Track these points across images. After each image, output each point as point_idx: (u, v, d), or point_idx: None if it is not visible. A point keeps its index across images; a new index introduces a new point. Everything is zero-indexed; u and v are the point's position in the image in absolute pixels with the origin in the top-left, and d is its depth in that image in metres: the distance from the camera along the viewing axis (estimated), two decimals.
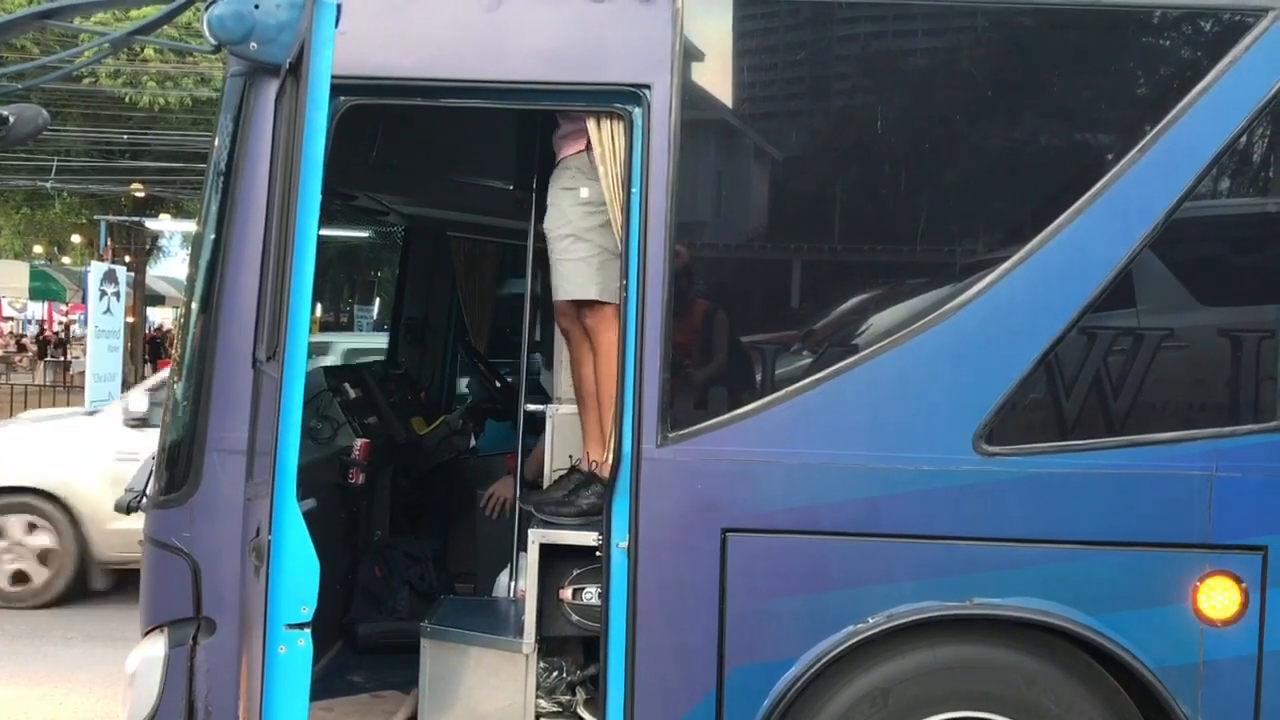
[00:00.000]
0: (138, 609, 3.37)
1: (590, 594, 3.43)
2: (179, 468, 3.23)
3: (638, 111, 3.17)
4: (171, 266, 35.22)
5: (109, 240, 24.98)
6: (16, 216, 27.52)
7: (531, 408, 4.25)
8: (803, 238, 3.32)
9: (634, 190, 3.17)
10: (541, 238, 4.89)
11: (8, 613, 7.22)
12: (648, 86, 3.14)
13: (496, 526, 4.59)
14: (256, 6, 2.99)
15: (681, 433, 3.13)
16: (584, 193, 3.53)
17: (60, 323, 36.05)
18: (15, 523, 7.44)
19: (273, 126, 3.13)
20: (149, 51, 16.52)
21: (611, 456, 3.25)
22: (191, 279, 3.34)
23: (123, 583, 7.17)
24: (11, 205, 26.11)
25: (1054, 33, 3.23)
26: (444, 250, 6.14)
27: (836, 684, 3.12)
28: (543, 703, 3.56)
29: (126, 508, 3.63)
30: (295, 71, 2.84)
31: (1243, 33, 3.10)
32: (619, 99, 3.19)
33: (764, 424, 3.13)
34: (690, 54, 3.16)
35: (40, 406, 16.72)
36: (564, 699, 3.60)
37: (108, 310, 15.74)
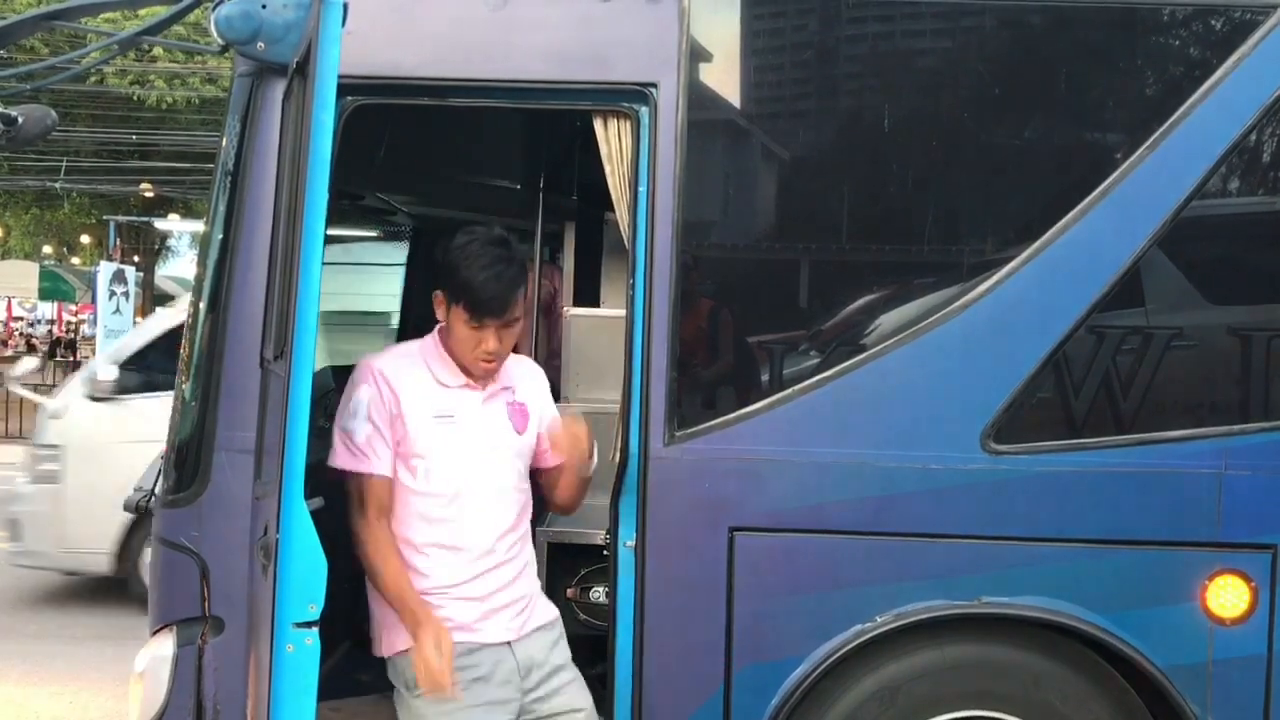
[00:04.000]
0: (146, 608, 3.38)
1: (597, 593, 3.44)
2: (188, 467, 3.23)
3: (644, 110, 3.16)
4: (180, 266, 35.33)
5: (118, 240, 25.08)
6: (26, 217, 27.65)
7: None
8: (810, 237, 3.31)
9: (641, 190, 3.17)
10: (548, 238, 4.88)
11: (18, 611, 7.25)
12: (654, 85, 3.13)
13: None
14: (263, 6, 2.98)
15: (689, 431, 3.12)
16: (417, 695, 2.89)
17: (70, 323, 36.16)
18: None
19: (280, 126, 3.13)
20: (157, 51, 16.58)
21: (619, 455, 3.24)
22: (199, 279, 3.35)
23: (132, 581, 7.18)
24: (21, 206, 26.24)
25: (1063, 30, 3.21)
26: None
27: (844, 683, 3.12)
28: None
29: (135, 507, 3.63)
30: (302, 71, 2.84)
31: (1251, 30, 3.09)
32: (625, 98, 3.18)
33: (771, 423, 3.12)
34: (697, 52, 3.15)
35: None
36: None
37: (117, 310, 15.81)
